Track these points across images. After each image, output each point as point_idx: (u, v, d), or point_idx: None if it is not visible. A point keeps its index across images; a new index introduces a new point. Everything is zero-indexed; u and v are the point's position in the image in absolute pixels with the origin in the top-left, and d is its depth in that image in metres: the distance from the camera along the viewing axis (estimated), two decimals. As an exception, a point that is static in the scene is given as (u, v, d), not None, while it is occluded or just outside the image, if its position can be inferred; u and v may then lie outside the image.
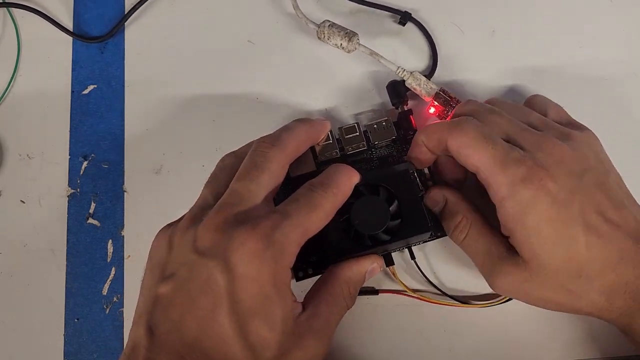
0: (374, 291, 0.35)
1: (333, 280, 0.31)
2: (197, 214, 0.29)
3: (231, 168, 0.31)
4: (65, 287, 0.37)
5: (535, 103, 0.35)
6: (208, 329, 0.26)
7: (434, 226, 0.34)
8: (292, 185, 0.35)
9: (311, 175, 0.35)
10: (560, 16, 0.41)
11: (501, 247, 0.30)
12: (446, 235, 0.34)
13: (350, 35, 0.38)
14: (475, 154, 0.29)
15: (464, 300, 0.35)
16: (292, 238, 0.27)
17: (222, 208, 0.28)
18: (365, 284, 0.34)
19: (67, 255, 0.37)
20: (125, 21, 0.42)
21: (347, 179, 0.30)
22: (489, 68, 0.40)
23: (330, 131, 0.36)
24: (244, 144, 0.38)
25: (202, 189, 0.31)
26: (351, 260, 0.31)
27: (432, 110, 0.37)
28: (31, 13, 0.42)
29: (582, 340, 0.34)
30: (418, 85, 0.37)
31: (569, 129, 0.31)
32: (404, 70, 0.38)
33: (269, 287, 0.26)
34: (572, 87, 0.39)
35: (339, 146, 0.36)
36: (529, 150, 0.29)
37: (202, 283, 0.26)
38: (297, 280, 0.34)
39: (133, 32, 0.42)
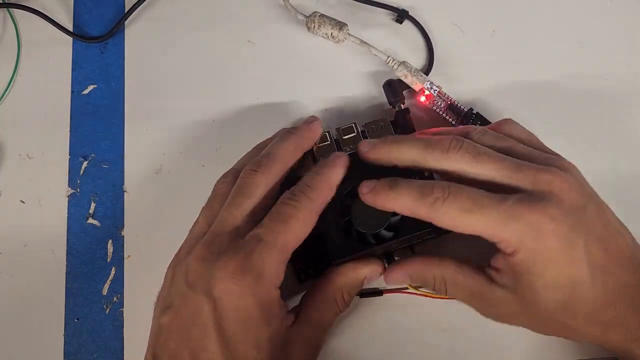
0: (378, 292, 0.35)
1: (327, 286, 0.31)
2: (192, 244, 0.30)
3: (222, 195, 0.32)
4: (65, 287, 0.37)
5: (507, 130, 0.33)
6: (200, 358, 0.27)
7: None
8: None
9: None
10: (560, 16, 0.41)
11: (481, 285, 0.30)
12: (449, 233, 0.34)
13: (340, 25, 0.39)
14: (467, 227, 0.28)
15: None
16: (269, 259, 0.28)
17: (208, 238, 0.29)
18: (370, 285, 0.34)
19: (67, 255, 0.37)
20: (125, 20, 0.42)
21: (324, 182, 0.30)
22: (487, 68, 0.40)
23: (328, 132, 0.36)
24: (244, 144, 0.39)
25: (199, 211, 0.33)
26: (348, 266, 0.31)
27: (422, 99, 0.38)
28: (31, 13, 0.42)
29: (582, 342, 0.34)
30: (409, 72, 0.38)
31: (553, 157, 0.30)
32: (394, 59, 0.38)
33: (254, 311, 0.27)
34: (571, 87, 0.39)
35: (337, 147, 0.36)
36: (527, 191, 0.28)
37: (193, 314, 0.28)
38: (299, 283, 0.34)
39: (133, 31, 0.42)
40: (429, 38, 0.40)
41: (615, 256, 0.28)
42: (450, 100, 0.38)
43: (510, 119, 0.33)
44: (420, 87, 0.38)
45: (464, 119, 0.37)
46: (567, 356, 0.34)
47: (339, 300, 0.31)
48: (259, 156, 0.32)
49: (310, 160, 0.36)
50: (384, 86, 0.39)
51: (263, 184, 0.31)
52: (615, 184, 0.34)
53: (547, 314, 0.28)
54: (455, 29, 0.41)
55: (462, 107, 0.37)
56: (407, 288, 0.34)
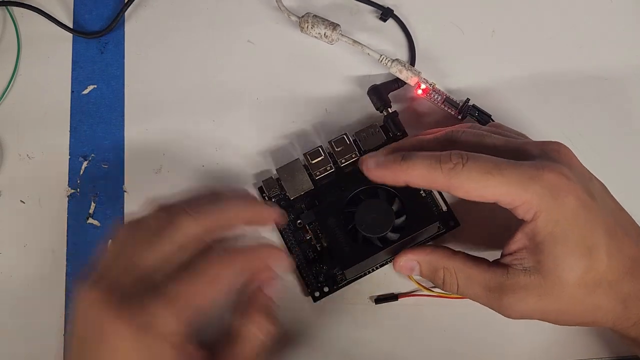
0: (393, 297, 0.35)
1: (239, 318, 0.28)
2: (96, 277, 0.27)
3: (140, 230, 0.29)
4: (65, 287, 0.37)
5: (499, 131, 0.32)
6: None
7: (440, 216, 0.34)
8: (291, 209, 0.36)
9: (310, 194, 0.36)
10: (560, 16, 0.41)
11: (498, 275, 0.29)
12: (457, 227, 0.34)
13: (333, 25, 0.39)
14: (488, 191, 0.27)
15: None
16: (168, 315, 0.25)
17: (103, 279, 0.27)
18: (383, 290, 0.35)
19: (67, 255, 0.37)
20: (123, 12, 0.42)
21: (248, 254, 0.28)
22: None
23: (321, 146, 0.36)
24: (244, 144, 0.39)
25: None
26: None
27: (419, 91, 0.38)
28: (30, 12, 0.42)
29: (582, 340, 0.34)
30: (403, 67, 0.38)
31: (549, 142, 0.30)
32: (387, 57, 0.38)
33: None
34: (572, 87, 0.39)
35: (332, 160, 0.36)
36: (538, 157, 0.28)
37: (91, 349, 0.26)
38: (314, 301, 0.34)
39: (133, 31, 0.42)
40: (410, 37, 0.40)
41: (624, 227, 0.28)
42: (445, 94, 0.38)
43: (500, 123, 0.34)
44: (416, 81, 0.38)
45: (462, 110, 0.37)
46: (567, 356, 0.34)
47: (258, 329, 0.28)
48: (202, 194, 0.30)
49: (308, 178, 0.36)
50: (368, 92, 0.38)
51: (186, 230, 0.27)
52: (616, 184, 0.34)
53: (568, 291, 0.27)
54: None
55: (457, 101, 0.38)
56: (421, 290, 0.34)
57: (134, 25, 0.42)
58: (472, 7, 0.41)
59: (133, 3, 0.42)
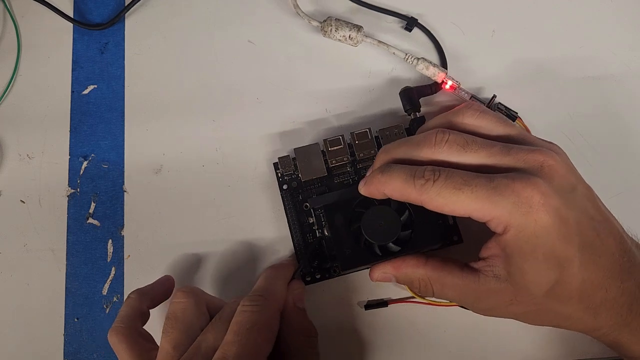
0: (383, 303, 0.35)
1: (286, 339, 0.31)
2: None
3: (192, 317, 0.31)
4: (65, 287, 0.37)
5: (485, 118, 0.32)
6: None
7: (444, 236, 0.34)
8: (302, 189, 0.36)
9: (321, 180, 0.36)
10: (560, 16, 0.41)
11: (470, 281, 0.29)
12: (460, 242, 0.34)
13: (357, 27, 0.39)
14: (458, 207, 0.27)
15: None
16: None
17: None
18: (375, 296, 0.35)
19: (67, 255, 0.37)
20: (125, 12, 0.42)
21: (279, 280, 0.33)
22: (494, 69, 0.40)
23: (342, 136, 0.36)
24: (243, 144, 0.39)
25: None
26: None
27: (447, 86, 0.38)
28: (30, 12, 0.42)
29: (582, 340, 0.34)
30: (430, 64, 0.38)
31: (544, 141, 0.30)
32: (413, 56, 0.38)
33: None
34: (572, 87, 0.39)
35: (350, 151, 0.36)
36: (517, 168, 0.28)
37: None
38: (305, 285, 0.35)
39: (133, 31, 0.42)
40: (439, 45, 0.40)
41: (605, 238, 0.28)
42: (471, 93, 0.38)
43: (498, 115, 0.33)
44: (443, 77, 0.38)
45: (489, 108, 0.37)
46: (567, 356, 0.34)
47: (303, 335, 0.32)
48: (263, 282, 0.33)
49: (322, 163, 0.36)
50: (400, 93, 0.38)
51: (265, 317, 0.30)
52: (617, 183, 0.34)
53: (538, 300, 0.28)
54: (458, 31, 0.41)
55: (483, 99, 0.38)
56: (412, 297, 0.34)
57: (134, 25, 0.42)
58: (478, 8, 0.42)
59: (134, 1, 0.42)
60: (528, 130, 0.37)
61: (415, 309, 0.35)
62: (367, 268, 0.33)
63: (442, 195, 0.27)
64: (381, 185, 0.29)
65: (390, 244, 0.31)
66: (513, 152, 0.28)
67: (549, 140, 0.30)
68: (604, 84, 0.39)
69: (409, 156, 0.30)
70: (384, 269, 0.32)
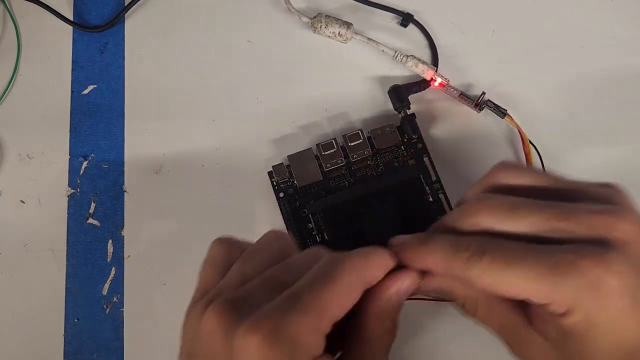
0: None
1: (364, 322, 0.25)
2: (199, 298, 0.25)
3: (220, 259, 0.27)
4: (65, 287, 0.37)
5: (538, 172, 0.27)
6: None
7: None
8: (298, 196, 0.36)
9: (317, 184, 0.36)
10: (560, 16, 0.41)
11: (519, 324, 0.25)
12: None
13: (347, 24, 0.39)
14: (510, 287, 0.23)
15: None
16: (306, 327, 0.22)
17: (219, 301, 0.23)
18: None
19: (67, 256, 0.37)
20: (125, 12, 0.42)
21: (377, 259, 0.25)
22: (488, 69, 0.40)
23: (334, 139, 0.36)
24: (244, 144, 0.39)
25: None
26: (376, 290, 0.25)
27: (436, 83, 0.38)
28: (30, 12, 0.42)
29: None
30: (419, 61, 0.38)
31: (605, 189, 0.25)
32: (402, 53, 0.38)
33: None
34: (572, 87, 0.39)
35: (343, 153, 0.36)
36: (580, 237, 0.23)
37: None
38: None
39: (133, 31, 0.42)
40: (433, 42, 0.40)
41: None
42: (460, 90, 0.38)
43: (547, 173, 0.28)
44: (432, 75, 0.38)
45: (479, 104, 0.37)
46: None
47: (384, 330, 0.25)
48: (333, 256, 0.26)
49: (317, 168, 0.36)
50: (389, 92, 0.38)
51: (282, 242, 0.26)
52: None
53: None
54: (456, 29, 0.41)
55: (472, 95, 0.38)
56: (412, 296, 0.33)
57: (134, 25, 0.42)
58: (476, 7, 0.42)
59: (133, 1, 0.42)
60: (518, 127, 0.37)
61: (415, 309, 0.35)
62: None
63: (490, 273, 0.23)
64: (419, 258, 0.25)
65: None
66: (572, 215, 0.23)
67: (603, 181, 0.26)
68: (604, 84, 0.39)
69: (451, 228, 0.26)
70: (431, 277, 0.27)
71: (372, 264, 0.24)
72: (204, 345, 0.23)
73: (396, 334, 0.25)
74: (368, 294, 0.25)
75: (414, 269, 0.25)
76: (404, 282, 0.25)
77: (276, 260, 0.25)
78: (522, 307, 0.25)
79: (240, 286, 0.24)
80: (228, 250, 0.27)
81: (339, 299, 0.23)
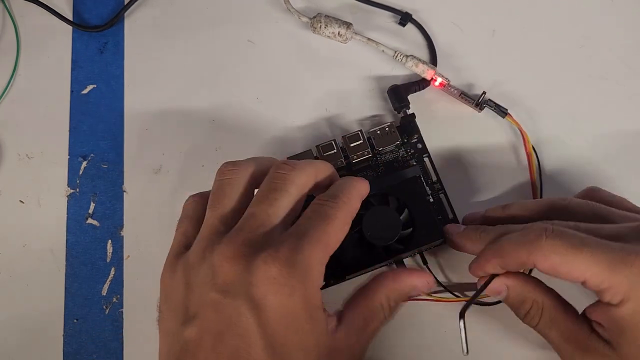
0: None
1: (373, 292, 0.28)
2: (209, 243, 0.27)
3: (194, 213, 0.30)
4: (65, 288, 0.37)
5: (596, 198, 0.31)
6: None
7: (445, 223, 0.34)
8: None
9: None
10: (560, 16, 0.41)
11: (582, 332, 0.27)
12: None
13: (346, 24, 0.39)
14: (575, 267, 0.25)
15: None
16: (315, 257, 0.25)
17: (238, 234, 0.26)
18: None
19: (66, 256, 0.37)
20: (124, 12, 0.42)
21: (354, 189, 0.28)
22: (488, 69, 0.40)
23: (334, 140, 0.36)
24: (244, 144, 0.39)
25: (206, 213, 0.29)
26: (393, 274, 0.29)
27: (437, 83, 0.38)
28: (30, 12, 0.42)
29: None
30: (419, 61, 0.38)
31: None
32: (401, 53, 0.38)
33: (301, 314, 0.25)
34: (572, 87, 0.39)
35: (343, 155, 0.36)
36: (632, 240, 0.25)
37: (231, 323, 0.24)
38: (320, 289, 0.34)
39: (133, 31, 0.42)
40: (431, 41, 0.40)
41: None
42: (460, 89, 0.38)
43: (595, 187, 0.32)
44: (433, 74, 0.38)
45: (479, 104, 0.37)
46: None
47: (386, 307, 0.28)
48: (290, 161, 0.30)
49: None
50: (388, 92, 0.38)
51: (297, 183, 0.28)
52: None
53: None
54: (456, 29, 0.41)
55: (473, 95, 0.38)
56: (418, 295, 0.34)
57: (134, 25, 0.42)
58: (476, 7, 0.42)
59: (132, 0, 0.42)
60: (519, 127, 0.37)
61: (415, 309, 0.35)
62: (371, 270, 0.33)
63: (557, 252, 0.25)
64: (493, 258, 0.28)
65: (393, 244, 0.31)
66: (625, 219, 0.27)
67: None
68: (604, 84, 0.39)
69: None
70: (501, 279, 0.29)
71: (360, 199, 0.29)
72: (219, 276, 0.25)
73: (390, 319, 0.29)
74: (389, 275, 0.29)
75: (475, 252, 0.29)
76: (421, 281, 0.29)
77: (247, 195, 0.28)
78: (584, 317, 0.27)
79: (226, 224, 0.27)
80: (199, 202, 0.30)
81: (336, 235, 0.27)
